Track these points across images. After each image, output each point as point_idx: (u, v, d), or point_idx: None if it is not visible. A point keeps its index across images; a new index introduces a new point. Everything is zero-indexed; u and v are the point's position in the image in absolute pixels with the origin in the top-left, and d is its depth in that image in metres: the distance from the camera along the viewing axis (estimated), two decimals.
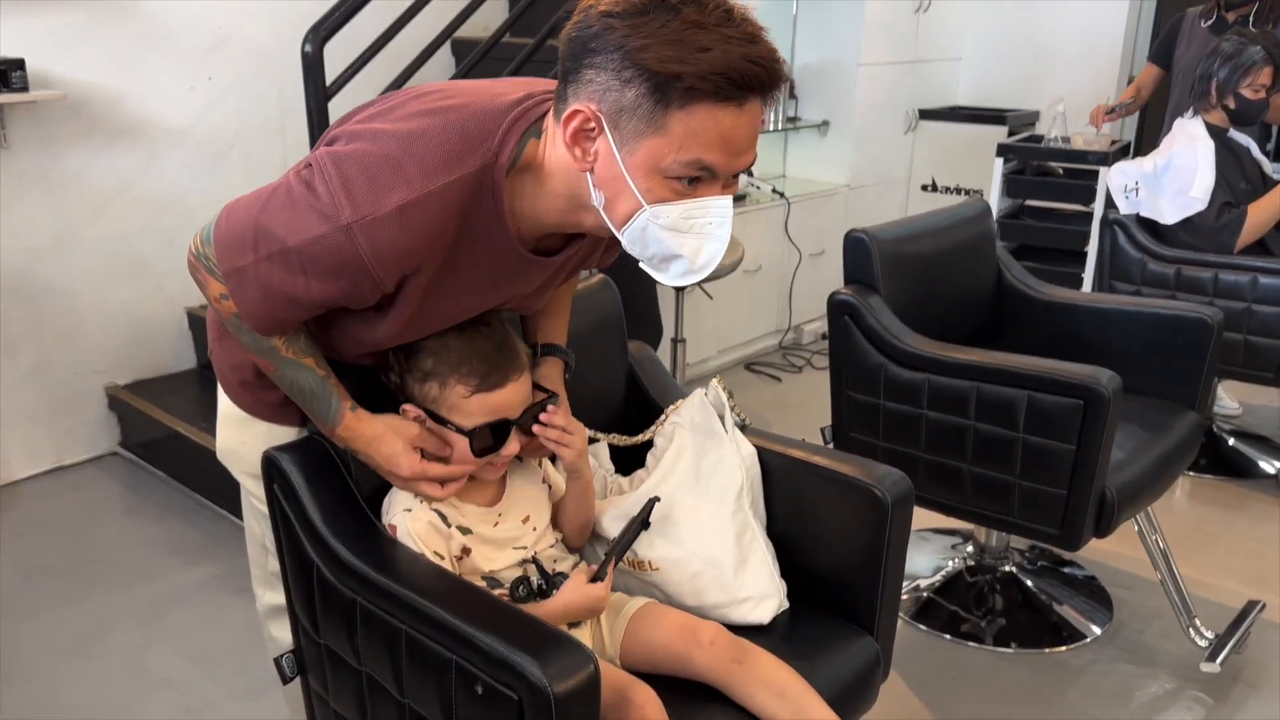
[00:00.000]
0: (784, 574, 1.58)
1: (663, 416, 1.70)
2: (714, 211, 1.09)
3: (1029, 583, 2.53)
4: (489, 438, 1.35)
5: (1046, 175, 4.01)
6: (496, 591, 1.38)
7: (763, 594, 1.52)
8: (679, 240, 1.09)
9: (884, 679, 1.55)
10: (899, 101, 4.57)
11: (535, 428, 1.40)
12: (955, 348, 2.13)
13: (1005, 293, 2.61)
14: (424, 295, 1.20)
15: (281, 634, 1.62)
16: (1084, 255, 3.86)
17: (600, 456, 1.70)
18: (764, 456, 1.63)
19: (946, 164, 4.67)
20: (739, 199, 3.96)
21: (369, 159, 1.10)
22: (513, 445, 1.38)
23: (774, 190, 4.08)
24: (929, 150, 4.72)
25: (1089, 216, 3.84)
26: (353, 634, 1.34)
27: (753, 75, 1.03)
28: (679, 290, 3.38)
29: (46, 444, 3.13)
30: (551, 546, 1.50)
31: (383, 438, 1.33)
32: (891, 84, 4.49)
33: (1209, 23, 3.66)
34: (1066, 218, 4.06)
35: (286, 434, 1.46)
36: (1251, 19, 3.56)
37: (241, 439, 1.48)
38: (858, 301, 2.21)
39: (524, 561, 1.44)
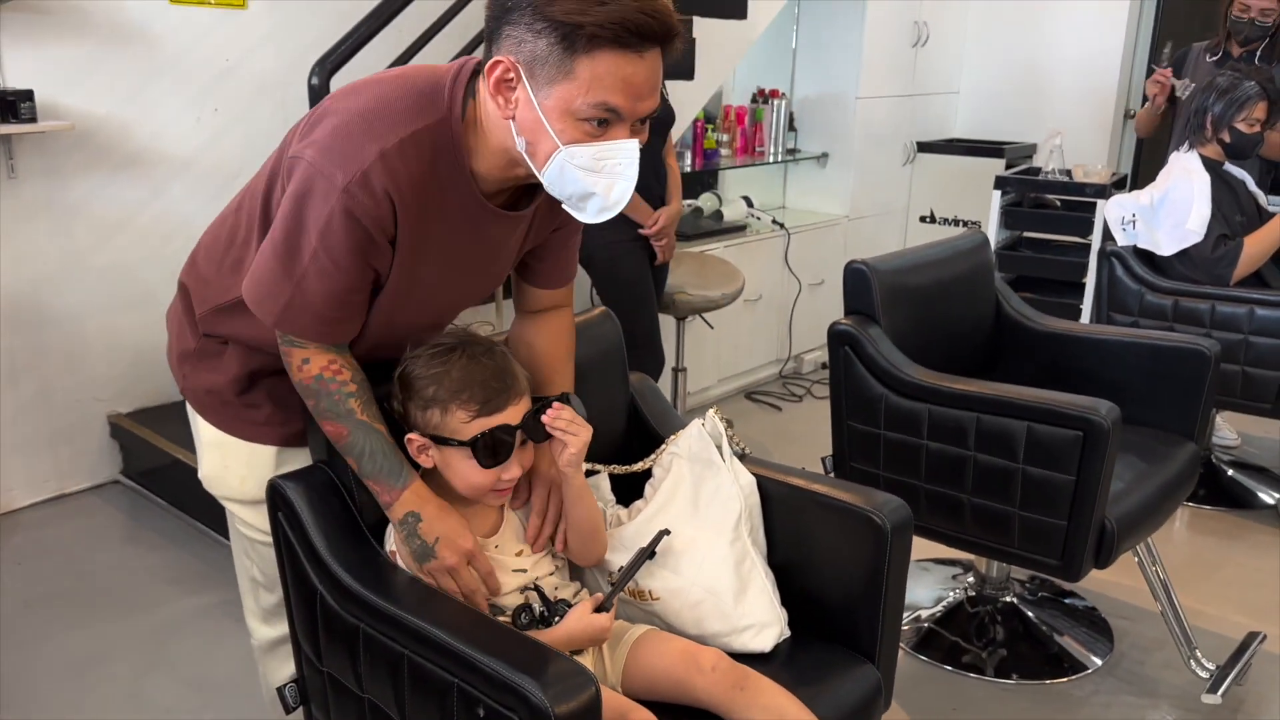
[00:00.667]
0: (785, 602, 1.59)
1: (661, 447, 1.71)
2: (622, 153, 1.20)
3: (1030, 614, 2.53)
4: (492, 447, 1.36)
5: (1044, 207, 4.05)
6: (499, 619, 1.39)
7: (763, 622, 1.53)
8: (593, 179, 1.21)
9: (886, 708, 1.56)
10: (897, 134, 4.62)
11: (545, 418, 1.40)
12: (955, 378, 2.14)
13: (1004, 323, 2.62)
14: (403, 254, 1.29)
15: (273, 670, 1.65)
16: (1082, 286, 3.89)
17: (601, 488, 1.70)
18: (764, 485, 1.64)
19: (944, 195, 4.71)
20: (739, 229, 4.00)
21: (340, 128, 1.23)
22: (515, 468, 1.40)
23: (774, 221, 4.12)
24: (927, 182, 4.77)
25: (1087, 248, 3.87)
26: (355, 660, 1.35)
27: (647, 25, 1.15)
28: (680, 320, 3.40)
29: (48, 472, 3.13)
30: (551, 574, 1.50)
31: (452, 513, 1.37)
32: (890, 116, 4.54)
33: (1214, 58, 3.69)
34: (1064, 249, 4.09)
35: (265, 454, 1.50)
36: (1259, 55, 3.59)
37: (224, 463, 1.52)
38: (858, 332, 2.23)
39: (526, 589, 1.44)
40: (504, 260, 1.44)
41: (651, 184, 2.89)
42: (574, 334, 1.61)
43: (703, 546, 1.57)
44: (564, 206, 1.27)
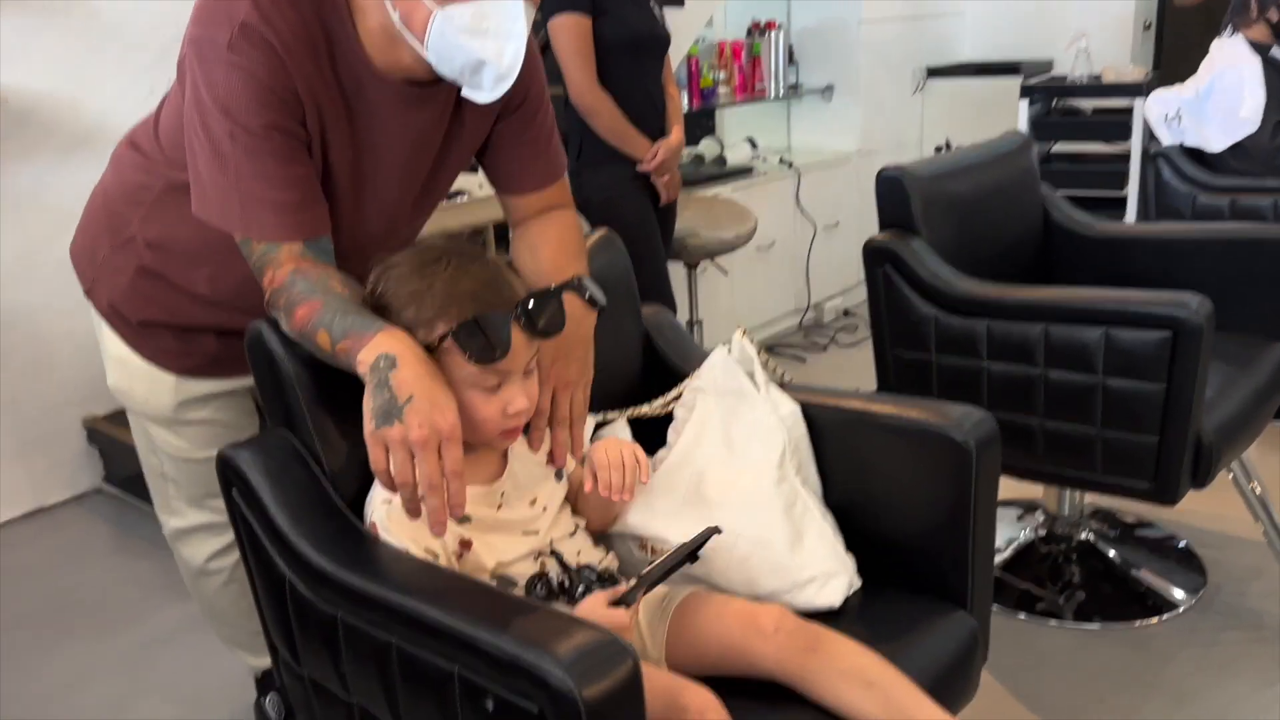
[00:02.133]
0: (850, 547, 1.34)
1: (682, 384, 1.46)
2: (505, 11, 1.12)
3: (1109, 551, 2.27)
4: (482, 334, 1.08)
5: (1074, 116, 3.75)
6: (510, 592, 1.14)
7: (828, 572, 1.28)
8: (479, 43, 1.12)
9: (984, 660, 1.30)
10: (905, 60, 4.34)
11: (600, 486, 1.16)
12: (1016, 287, 1.89)
13: (1053, 232, 2.36)
14: (312, 121, 1.20)
15: (190, 553, 1.63)
16: (1122, 201, 3.61)
17: (622, 437, 1.46)
18: (810, 413, 1.40)
19: (960, 123, 4.42)
20: (745, 172, 3.72)
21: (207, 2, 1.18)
22: (520, 398, 1.13)
23: (782, 160, 3.85)
24: (940, 110, 4.49)
25: (1124, 157, 3.59)
26: (336, 657, 1.10)
27: None
28: (691, 268, 3.15)
29: (23, 485, 2.90)
30: (571, 535, 1.25)
31: (440, 380, 1.07)
32: (896, 41, 4.25)
33: None
34: (1097, 160, 3.81)
35: (165, 379, 1.46)
36: None
37: (129, 380, 1.49)
38: (898, 247, 1.96)
39: (541, 554, 1.19)
40: (443, 157, 1.35)
41: (648, 114, 2.62)
42: (580, 234, 1.40)
43: (743, 491, 1.32)
44: (463, 93, 1.19)
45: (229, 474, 1.19)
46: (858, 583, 1.30)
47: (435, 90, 1.26)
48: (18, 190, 2.76)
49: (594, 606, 1.08)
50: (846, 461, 1.36)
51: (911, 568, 1.31)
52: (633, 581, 1.10)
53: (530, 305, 1.12)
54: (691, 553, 1.18)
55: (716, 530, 1.20)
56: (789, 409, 1.39)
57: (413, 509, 1.04)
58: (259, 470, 1.17)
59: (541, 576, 1.15)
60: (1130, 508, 2.43)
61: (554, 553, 1.20)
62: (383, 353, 1.04)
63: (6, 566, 2.65)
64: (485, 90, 1.16)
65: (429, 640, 0.96)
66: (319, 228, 1.21)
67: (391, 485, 1.04)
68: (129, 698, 2.08)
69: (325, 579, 1.09)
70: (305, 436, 1.20)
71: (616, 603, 1.08)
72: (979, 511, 1.25)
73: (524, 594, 1.13)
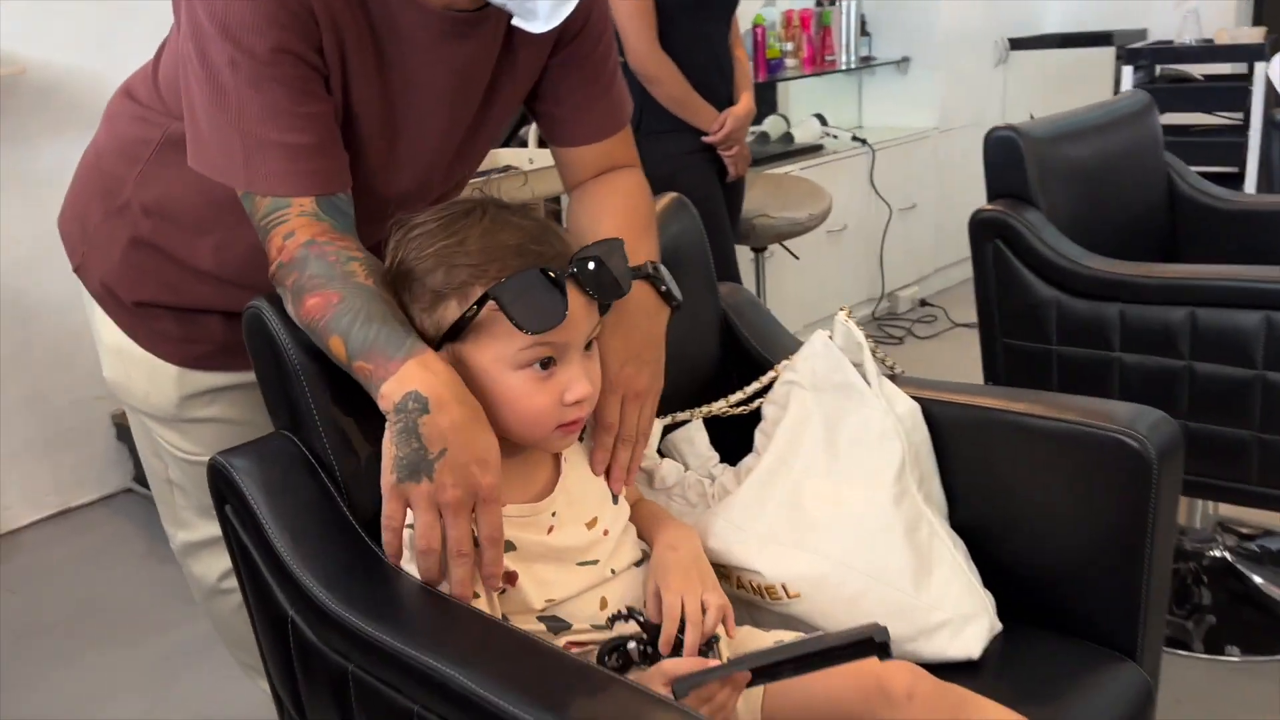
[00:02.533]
0: (984, 581, 1.08)
1: (768, 375, 1.22)
2: None
3: (1248, 571, 1.98)
4: (531, 295, 0.87)
5: (1184, 82, 3.42)
6: (563, 641, 0.90)
7: (964, 614, 1.03)
8: None
9: None
10: (986, 30, 4.04)
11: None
12: (1154, 265, 1.63)
13: (1180, 204, 2.08)
14: (330, 54, 1.00)
15: (201, 570, 1.43)
16: (1239, 175, 3.28)
17: (696, 443, 1.22)
18: (931, 413, 1.14)
19: (1046, 98, 4.10)
20: (814, 150, 3.46)
21: None
22: (581, 381, 0.91)
23: (854, 138, 3.57)
24: (1025, 84, 4.18)
25: (1238, 128, 3.26)
26: (347, 717, 0.87)
27: None
28: (758, 252, 2.90)
29: (49, 485, 2.75)
30: (638, 564, 1.01)
31: (481, 421, 0.87)
32: (976, 11, 3.96)
33: None
34: (1209, 132, 3.47)
35: (167, 371, 1.25)
36: None
37: (126, 372, 1.29)
38: (1012, 219, 1.70)
39: (618, 616, 0.94)
40: (490, 99, 1.14)
41: (715, 81, 2.38)
42: (650, 203, 1.18)
43: (854, 511, 1.09)
44: (514, 21, 0.99)
45: (221, 487, 0.97)
46: (998, 626, 1.05)
47: (481, 18, 1.04)
48: (39, 172, 2.60)
49: (652, 677, 0.84)
50: (978, 473, 1.11)
51: (1062, 607, 1.06)
52: (717, 654, 0.85)
53: (588, 257, 0.90)
54: (838, 652, 0.84)
55: (885, 636, 0.82)
56: (906, 407, 1.14)
57: (433, 577, 0.84)
58: (256, 483, 0.95)
59: (618, 646, 0.90)
60: (1248, 516, 2.14)
61: (635, 614, 0.95)
62: (412, 391, 0.84)
63: (32, 570, 2.51)
64: (541, 17, 0.97)
65: (460, 715, 0.73)
66: (336, 181, 0.99)
67: (397, 547, 0.85)
68: (147, 717, 1.92)
69: (334, 621, 0.87)
70: (314, 441, 0.98)
71: (674, 685, 0.81)
72: (1156, 537, 0.99)
73: (598, 660, 0.90)
